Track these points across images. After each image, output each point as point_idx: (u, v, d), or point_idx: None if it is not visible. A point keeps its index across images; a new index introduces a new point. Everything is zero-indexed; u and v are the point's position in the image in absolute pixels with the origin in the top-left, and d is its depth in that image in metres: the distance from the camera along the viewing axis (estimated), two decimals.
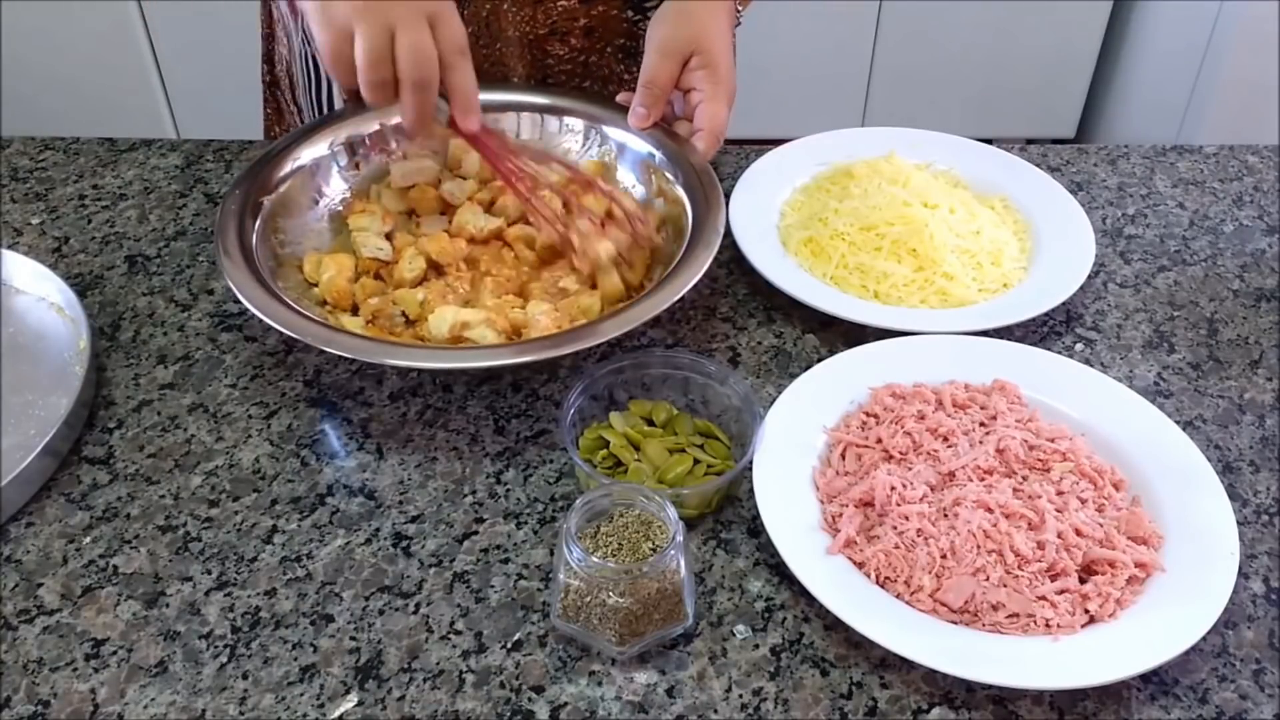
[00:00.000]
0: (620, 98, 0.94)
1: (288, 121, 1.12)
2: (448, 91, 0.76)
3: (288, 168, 0.89)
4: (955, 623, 0.64)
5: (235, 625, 0.66)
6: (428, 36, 0.72)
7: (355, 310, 0.83)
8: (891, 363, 0.79)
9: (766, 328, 0.87)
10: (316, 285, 0.84)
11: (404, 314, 0.82)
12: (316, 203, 0.90)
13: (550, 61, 1.00)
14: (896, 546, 0.66)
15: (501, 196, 0.90)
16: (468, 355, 0.76)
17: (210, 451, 0.77)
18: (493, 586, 0.68)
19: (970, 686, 0.63)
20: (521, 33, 0.97)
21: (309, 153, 0.90)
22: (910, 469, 0.71)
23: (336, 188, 0.91)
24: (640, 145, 0.91)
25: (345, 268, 0.83)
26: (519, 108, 0.96)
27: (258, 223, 0.84)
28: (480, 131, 0.80)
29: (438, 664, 0.64)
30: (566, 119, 0.95)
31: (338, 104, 1.06)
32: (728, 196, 0.93)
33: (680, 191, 0.87)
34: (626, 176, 0.92)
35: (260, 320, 0.76)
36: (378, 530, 0.71)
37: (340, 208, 0.91)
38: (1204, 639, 0.63)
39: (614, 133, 0.93)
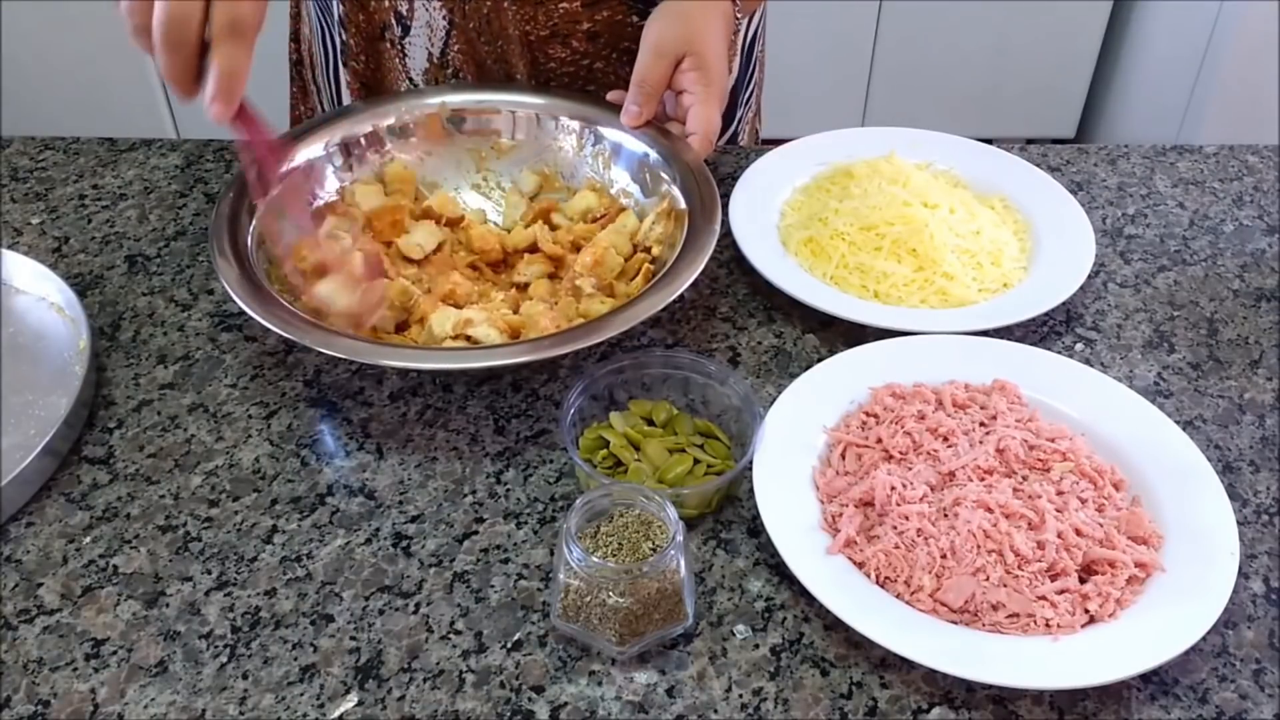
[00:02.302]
0: (612, 96, 0.94)
1: (312, 101, 1.12)
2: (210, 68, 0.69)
3: (282, 168, 0.88)
4: (955, 623, 0.64)
5: (235, 625, 0.66)
6: (187, 7, 0.67)
7: None
8: (891, 363, 0.79)
9: (766, 328, 0.87)
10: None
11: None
12: (311, 204, 0.90)
13: (551, 64, 0.99)
14: (896, 546, 0.66)
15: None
16: (468, 355, 0.76)
17: (210, 451, 0.77)
18: (493, 586, 0.68)
19: (970, 686, 0.63)
20: (522, 32, 0.97)
21: (304, 153, 0.90)
22: (910, 469, 0.71)
23: (331, 188, 0.91)
24: (635, 145, 0.91)
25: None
26: (514, 107, 0.96)
27: (253, 224, 0.84)
28: (242, 122, 0.73)
29: (438, 664, 0.64)
30: (562, 119, 0.95)
31: (345, 96, 1.06)
32: (727, 197, 0.93)
33: (676, 191, 0.87)
34: (621, 176, 0.92)
35: (260, 321, 0.76)
36: (378, 530, 0.71)
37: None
38: (1204, 639, 0.63)
39: (609, 133, 0.93)
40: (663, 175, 0.89)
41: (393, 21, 0.99)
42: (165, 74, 0.69)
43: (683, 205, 0.85)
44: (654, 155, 0.90)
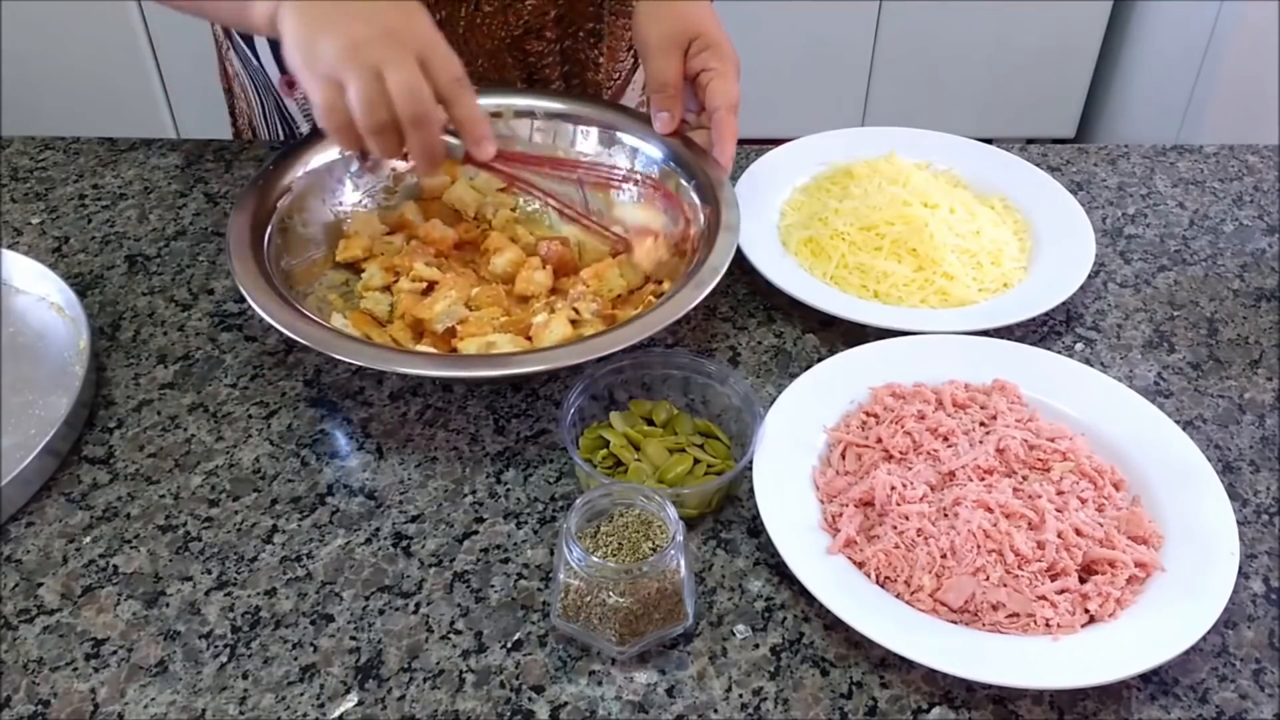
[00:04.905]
0: (640, 108, 0.95)
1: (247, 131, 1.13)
2: (454, 125, 0.74)
3: (299, 172, 0.88)
4: (955, 623, 0.64)
5: (235, 625, 0.66)
6: (418, 73, 0.69)
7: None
8: (891, 363, 0.79)
9: (766, 328, 0.87)
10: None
11: (391, 305, 0.83)
12: (325, 204, 0.90)
13: (532, 59, 1.02)
14: (896, 546, 0.66)
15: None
16: (475, 364, 0.75)
17: (210, 451, 0.77)
18: (493, 586, 0.68)
19: (970, 686, 0.63)
20: (499, 39, 0.98)
21: (320, 157, 0.90)
22: (910, 469, 0.71)
23: (348, 193, 0.91)
24: (653, 152, 0.91)
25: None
26: (534, 114, 0.95)
27: (269, 228, 0.83)
28: (497, 159, 0.78)
29: (438, 664, 0.64)
30: (581, 126, 0.94)
31: None
32: None
33: (694, 196, 0.87)
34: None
35: (260, 320, 0.76)
36: (378, 530, 0.71)
37: (349, 211, 0.91)
38: (1204, 639, 0.63)
39: (628, 139, 0.93)
40: (681, 182, 0.88)
41: None
42: (420, 151, 0.72)
43: (700, 226, 0.85)
44: (672, 162, 0.89)
